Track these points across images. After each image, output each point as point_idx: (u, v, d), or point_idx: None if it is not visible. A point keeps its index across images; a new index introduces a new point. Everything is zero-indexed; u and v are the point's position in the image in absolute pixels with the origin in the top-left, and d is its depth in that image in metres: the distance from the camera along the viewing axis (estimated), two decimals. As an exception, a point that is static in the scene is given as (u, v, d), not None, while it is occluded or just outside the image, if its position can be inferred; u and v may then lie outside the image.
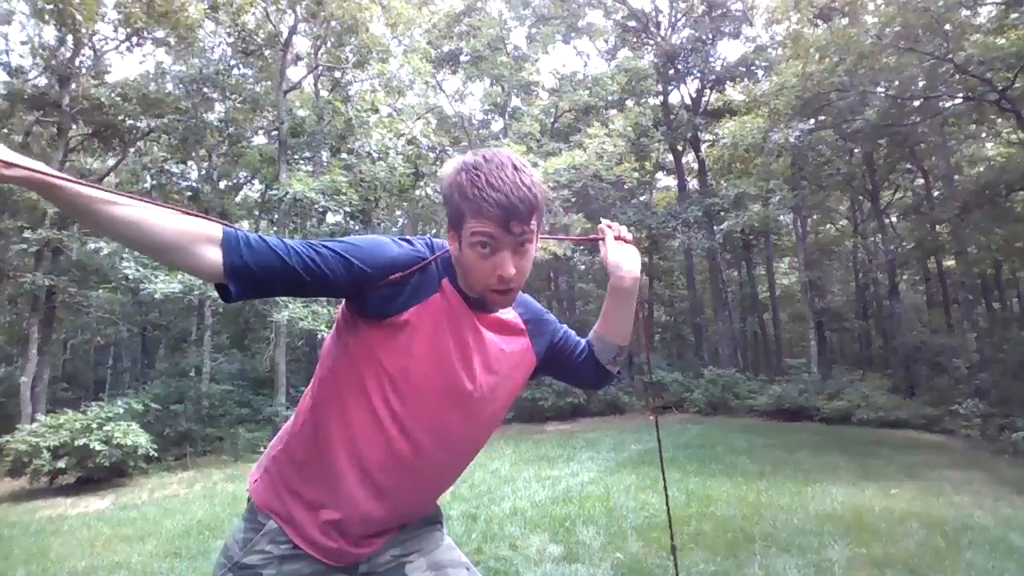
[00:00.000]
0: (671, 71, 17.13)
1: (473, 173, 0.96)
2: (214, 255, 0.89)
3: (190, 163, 15.69)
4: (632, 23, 18.33)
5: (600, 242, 1.21)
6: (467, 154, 1.02)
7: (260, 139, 16.39)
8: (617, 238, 1.20)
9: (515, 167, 0.98)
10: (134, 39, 12.19)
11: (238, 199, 18.40)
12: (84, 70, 11.92)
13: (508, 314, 1.14)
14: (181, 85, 13.24)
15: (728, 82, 17.48)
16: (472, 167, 0.97)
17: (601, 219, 1.22)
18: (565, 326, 1.27)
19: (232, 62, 13.74)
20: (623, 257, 1.17)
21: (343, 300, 1.07)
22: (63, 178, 0.83)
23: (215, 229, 0.91)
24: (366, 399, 1.01)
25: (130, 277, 10.06)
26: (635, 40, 18.59)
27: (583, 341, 1.26)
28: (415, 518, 1.14)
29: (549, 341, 1.21)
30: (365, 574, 1.10)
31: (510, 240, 0.97)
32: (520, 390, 1.21)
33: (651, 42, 17.89)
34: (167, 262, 0.92)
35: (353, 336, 1.04)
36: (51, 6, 10.16)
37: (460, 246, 1.01)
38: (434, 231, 19.25)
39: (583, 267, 20.77)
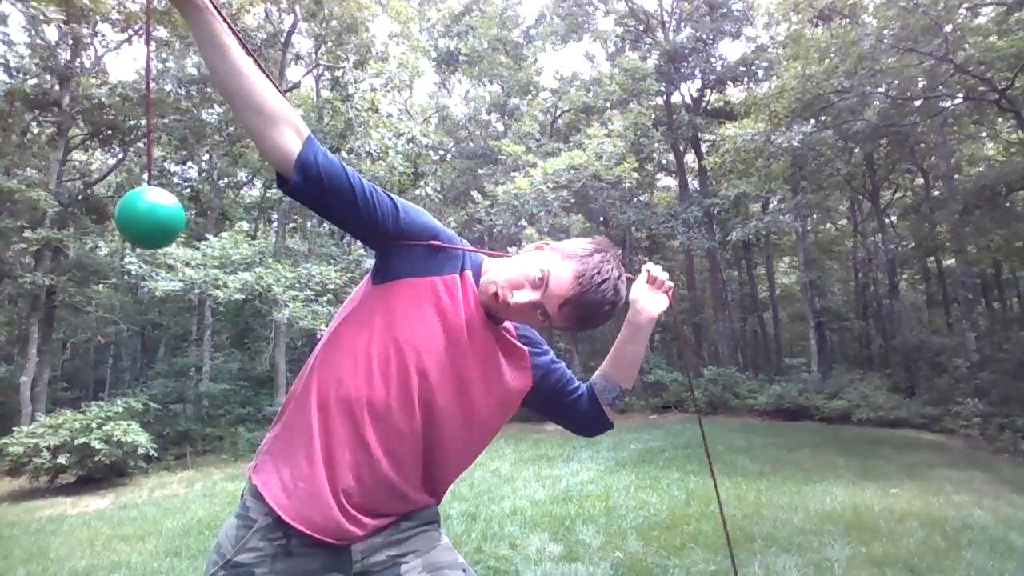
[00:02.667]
0: (672, 71, 17.12)
1: (599, 281, 1.05)
2: (294, 142, 0.98)
3: (190, 163, 15.69)
4: (634, 23, 18.33)
5: (633, 280, 1.20)
6: (608, 257, 1.09)
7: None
8: (650, 280, 1.19)
9: (611, 310, 1.08)
10: (135, 39, 12.18)
11: (238, 199, 18.39)
12: (82, 70, 11.91)
13: (512, 328, 1.18)
14: (181, 85, 13.24)
15: (729, 82, 17.49)
16: (605, 279, 1.06)
17: (647, 264, 1.22)
18: (563, 364, 1.27)
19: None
20: (646, 296, 1.18)
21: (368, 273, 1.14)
22: (219, 12, 0.94)
23: (305, 126, 1.00)
24: (366, 362, 1.04)
25: (133, 273, 10.06)
26: (637, 41, 18.58)
27: (581, 385, 1.27)
28: (401, 505, 1.10)
29: (545, 367, 1.22)
30: (360, 573, 1.08)
31: (545, 304, 1.05)
32: (515, 400, 1.19)
33: (652, 41, 17.87)
34: (255, 126, 0.96)
35: (366, 301, 1.09)
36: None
37: (530, 257, 1.10)
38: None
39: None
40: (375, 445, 1.03)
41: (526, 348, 1.19)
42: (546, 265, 1.06)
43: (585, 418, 1.25)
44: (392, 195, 1.07)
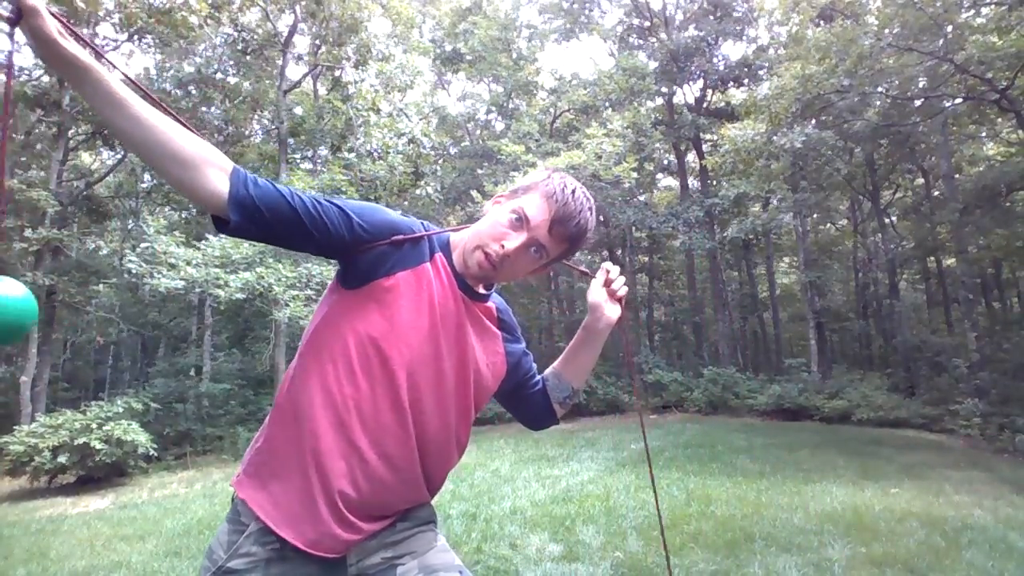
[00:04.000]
0: (676, 70, 17.13)
1: (571, 191, 1.08)
2: (222, 181, 0.92)
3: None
4: (637, 22, 18.33)
5: (591, 278, 1.21)
6: (562, 174, 1.12)
7: (260, 139, 16.39)
8: (607, 284, 1.20)
9: (592, 217, 1.10)
10: (135, 39, 12.17)
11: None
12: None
13: (491, 310, 1.18)
14: (181, 85, 13.24)
15: (731, 82, 17.48)
16: (574, 189, 1.09)
17: (607, 263, 1.22)
18: (531, 356, 1.29)
19: (231, 61, 13.74)
20: (606, 302, 1.19)
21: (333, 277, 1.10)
22: (111, 63, 0.86)
23: (226, 160, 0.94)
24: (348, 365, 1.02)
25: (134, 272, 10.07)
26: (641, 40, 18.58)
27: (540, 378, 1.28)
28: (399, 503, 1.09)
29: (518, 356, 1.23)
30: None
31: (536, 241, 1.07)
32: (494, 385, 1.20)
33: (655, 40, 17.87)
34: (174, 176, 0.91)
35: (339, 305, 1.06)
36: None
37: (501, 206, 1.10)
38: (434, 230, 19.20)
39: (583, 267, 20.77)
40: (367, 448, 1.01)
41: (501, 333, 1.19)
42: (515, 205, 1.08)
43: (536, 411, 1.27)
44: (338, 201, 1.03)
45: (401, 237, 1.05)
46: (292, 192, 0.98)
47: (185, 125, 0.93)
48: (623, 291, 1.20)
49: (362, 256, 1.03)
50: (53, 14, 0.82)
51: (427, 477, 1.11)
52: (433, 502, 1.21)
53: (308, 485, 1.00)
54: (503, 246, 1.05)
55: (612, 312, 1.19)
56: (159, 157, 0.89)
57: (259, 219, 0.94)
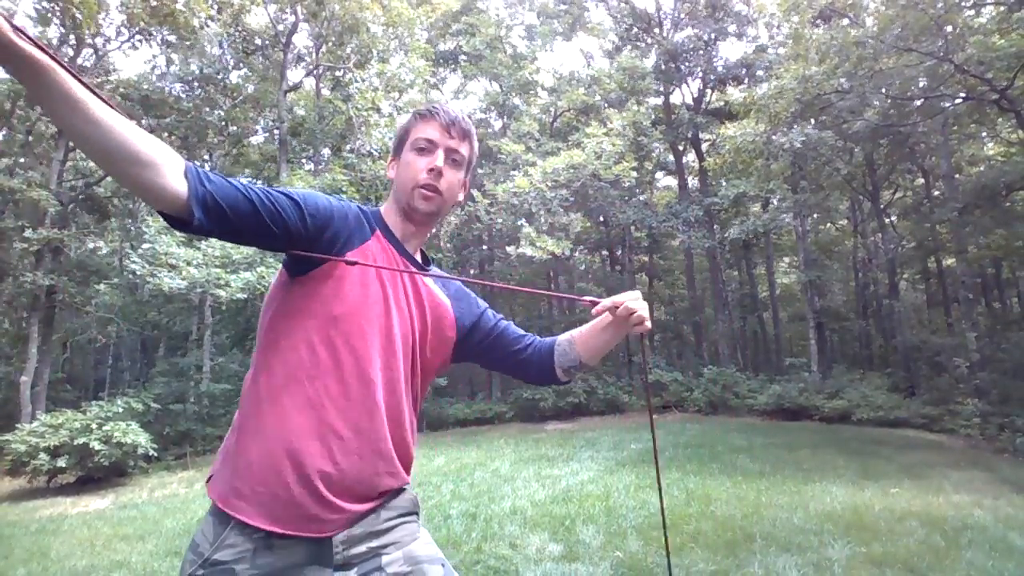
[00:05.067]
0: (673, 70, 17.12)
1: (437, 105, 1.21)
2: (180, 182, 0.89)
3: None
4: (632, 21, 18.32)
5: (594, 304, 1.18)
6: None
7: (261, 138, 16.40)
8: (624, 312, 1.16)
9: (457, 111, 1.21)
10: (137, 38, 12.18)
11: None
12: (82, 71, 11.91)
13: (434, 281, 1.24)
14: (183, 84, 13.25)
15: (730, 82, 17.47)
16: (435, 103, 1.22)
17: (630, 293, 1.18)
18: (502, 317, 1.33)
19: (233, 62, 13.75)
20: (637, 318, 1.16)
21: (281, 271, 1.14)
22: (62, 64, 0.80)
23: (179, 157, 0.91)
24: (311, 348, 1.05)
25: (137, 273, 10.07)
26: (638, 40, 18.57)
27: (529, 336, 1.32)
28: (378, 478, 1.09)
29: (475, 316, 1.28)
30: (341, 565, 1.06)
31: (448, 149, 1.17)
32: (449, 347, 1.25)
33: (653, 41, 17.87)
34: (132, 177, 0.86)
35: (291, 295, 1.09)
36: (51, 4, 10.17)
37: (400, 158, 1.20)
38: (434, 230, 19.23)
39: (583, 267, 20.78)
40: (341, 426, 1.04)
41: (450, 301, 1.25)
42: (411, 145, 1.18)
43: (531, 368, 1.30)
44: (284, 190, 1.03)
45: (345, 223, 1.10)
46: (246, 186, 0.98)
47: (116, 109, 0.87)
48: (641, 328, 1.16)
49: (311, 243, 1.05)
50: (1, 14, 0.77)
51: (396, 444, 1.12)
52: (422, 499, 1.21)
53: (281, 472, 1.01)
54: (433, 167, 1.15)
55: (639, 327, 1.18)
56: (119, 160, 0.85)
57: (220, 215, 0.93)
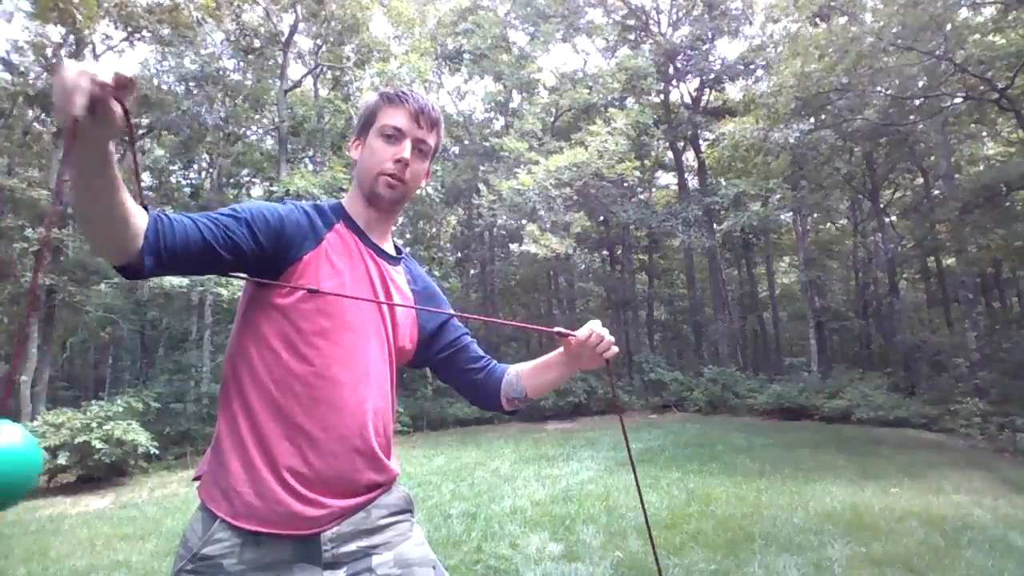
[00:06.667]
0: (671, 69, 17.10)
1: (404, 90, 1.18)
2: (141, 238, 0.90)
3: (191, 162, 15.70)
4: (631, 21, 18.31)
5: (570, 338, 1.20)
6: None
7: (261, 138, 16.39)
8: (596, 340, 1.18)
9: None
10: (135, 36, 12.16)
11: (238, 198, 18.39)
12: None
13: (400, 274, 1.24)
14: (182, 84, 13.24)
15: (728, 80, 17.46)
16: (401, 88, 1.19)
17: (593, 323, 1.19)
18: (469, 336, 1.33)
19: (233, 61, 13.74)
20: (591, 352, 1.19)
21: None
22: (133, 142, 0.86)
23: (145, 214, 0.91)
24: (275, 356, 1.06)
25: None
26: (634, 39, 18.56)
27: (486, 359, 1.32)
28: (359, 474, 1.09)
29: (439, 323, 1.27)
30: (330, 563, 1.06)
31: (415, 140, 1.15)
32: (416, 331, 1.24)
33: (650, 40, 17.86)
34: (109, 238, 0.87)
35: (258, 304, 1.09)
36: (51, 4, 10.17)
37: (365, 143, 1.17)
38: (434, 229, 19.26)
39: (583, 266, 20.77)
40: (312, 428, 1.05)
41: (413, 297, 1.24)
42: (378, 131, 1.15)
43: (480, 391, 1.31)
44: (231, 210, 1.04)
45: (304, 223, 1.10)
46: (199, 220, 0.98)
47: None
48: (610, 353, 1.19)
49: (266, 259, 1.05)
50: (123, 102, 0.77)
51: (377, 436, 1.13)
52: (413, 494, 1.21)
53: (260, 475, 1.03)
54: (400, 158, 1.13)
55: (592, 362, 1.21)
56: (109, 223, 0.86)
57: (172, 258, 0.93)
